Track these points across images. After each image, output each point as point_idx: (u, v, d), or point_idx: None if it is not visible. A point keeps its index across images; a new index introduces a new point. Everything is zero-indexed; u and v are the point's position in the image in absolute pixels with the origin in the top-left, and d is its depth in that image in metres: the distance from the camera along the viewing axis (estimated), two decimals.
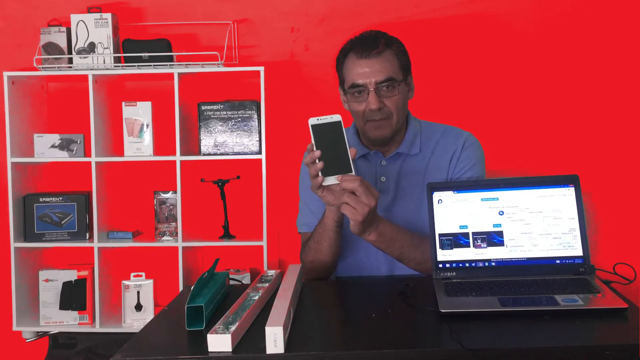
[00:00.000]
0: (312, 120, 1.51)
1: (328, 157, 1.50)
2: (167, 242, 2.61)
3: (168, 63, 2.55)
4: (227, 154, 2.59)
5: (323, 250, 1.74)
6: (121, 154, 2.62)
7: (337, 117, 1.51)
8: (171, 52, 2.57)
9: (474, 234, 1.58)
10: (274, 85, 2.64)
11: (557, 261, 1.55)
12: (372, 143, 1.86)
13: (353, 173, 1.51)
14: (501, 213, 1.58)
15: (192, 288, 1.38)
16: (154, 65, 2.54)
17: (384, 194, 1.83)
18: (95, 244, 2.56)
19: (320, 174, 1.51)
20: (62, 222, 2.61)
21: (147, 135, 2.59)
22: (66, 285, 2.61)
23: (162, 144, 2.63)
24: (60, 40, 2.58)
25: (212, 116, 2.60)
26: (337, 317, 1.49)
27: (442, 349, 1.20)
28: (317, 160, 1.50)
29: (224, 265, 2.67)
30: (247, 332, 1.28)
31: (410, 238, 1.72)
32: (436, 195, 1.62)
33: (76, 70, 2.57)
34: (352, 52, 1.79)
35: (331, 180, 1.52)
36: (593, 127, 2.64)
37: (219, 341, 1.19)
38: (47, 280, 2.62)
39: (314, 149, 1.50)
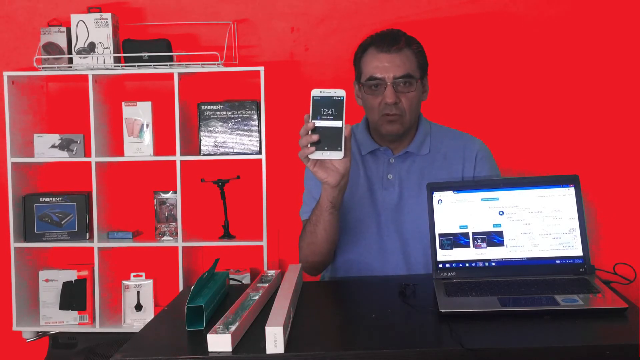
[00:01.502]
0: (315, 92, 1.48)
1: (321, 131, 1.48)
2: (167, 242, 2.61)
3: (168, 63, 2.55)
4: (227, 154, 2.59)
5: (318, 234, 1.73)
6: (121, 154, 2.62)
7: (340, 92, 1.48)
8: (171, 52, 2.57)
9: (474, 234, 1.58)
10: (274, 85, 2.64)
11: (557, 261, 1.55)
12: (382, 139, 1.86)
13: (342, 151, 1.48)
14: (501, 213, 1.58)
15: (192, 288, 1.38)
16: (154, 65, 2.54)
17: (390, 192, 1.83)
18: (95, 244, 2.56)
19: (310, 145, 1.49)
20: (62, 222, 2.61)
21: (147, 135, 2.59)
22: (66, 285, 2.61)
23: (162, 144, 2.63)
24: (60, 40, 2.58)
25: (212, 116, 2.60)
26: (337, 317, 1.49)
27: (442, 349, 1.20)
28: (309, 132, 1.48)
29: (224, 265, 2.67)
30: (247, 332, 1.28)
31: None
32: (436, 195, 1.62)
33: (76, 70, 2.56)
34: (372, 46, 1.81)
35: (318, 155, 1.49)
36: (593, 127, 2.64)
37: (219, 341, 1.19)
38: (47, 280, 2.63)
39: (310, 120, 1.48)
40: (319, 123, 1.48)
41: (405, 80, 1.77)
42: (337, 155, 1.49)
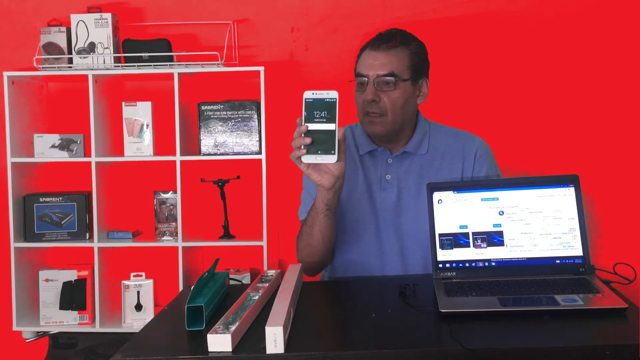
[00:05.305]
0: (307, 94, 1.47)
1: (315, 134, 1.47)
2: (167, 242, 2.61)
3: (168, 63, 2.55)
4: (227, 154, 2.59)
5: (314, 235, 1.73)
6: (121, 154, 2.62)
7: (333, 94, 1.46)
8: (171, 52, 2.57)
9: (474, 234, 1.58)
10: (274, 85, 2.64)
11: (557, 261, 1.55)
12: (376, 139, 1.85)
13: (335, 154, 1.47)
14: (501, 213, 1.58)
15: (192, 288, 1.38)
16: (154, 65, 2.54)
17: (388, 193, 1.83)
18: (95, 244, 2.56)
19: (302, 148, 1.48)
20: (62, 222, 2.61)
21: (147, 135, 2.59)
22: (66, 285, 2.61)
23: (162, 144, 2.63)
24: (60, 40, 2.58)
25: (212, 116, 2.60)
26: (337, 317, 1.48)
27: (442, 349, 1.20)
28: (303, 135, 1.47)
29: (224, 265, 2.67)
30: (247, 332, 1.28)
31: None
32: (436, 195, 1.62)
33: (76, 70, 2.57)
34: (369, 45, 1.82)
35: (311, 159, 1.48)
36: (593, 127, 2.64)
37: (219, 341, 1.19)
38: (47, 280, 2.63)
39: (302, 123, 1.47)
40: (312, 126, 1.47)
41: (389, 80, 1.76)
42: (331, 159, 1.48)
